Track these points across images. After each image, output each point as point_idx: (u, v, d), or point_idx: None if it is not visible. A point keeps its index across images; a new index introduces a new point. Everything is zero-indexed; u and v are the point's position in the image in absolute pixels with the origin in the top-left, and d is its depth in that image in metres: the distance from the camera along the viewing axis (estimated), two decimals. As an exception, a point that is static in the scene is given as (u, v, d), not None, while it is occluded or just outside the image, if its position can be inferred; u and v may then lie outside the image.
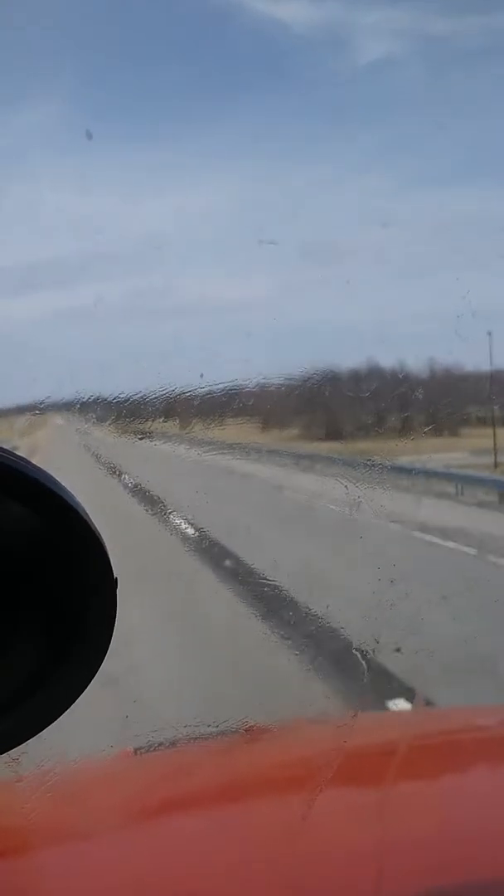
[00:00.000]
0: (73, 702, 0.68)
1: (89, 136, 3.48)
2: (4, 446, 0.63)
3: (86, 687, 0.68)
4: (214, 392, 2.95)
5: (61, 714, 0.68)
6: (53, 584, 0.65)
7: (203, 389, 2.91)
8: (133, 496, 5.61)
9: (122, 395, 2.94)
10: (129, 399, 2.93)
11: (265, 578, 4.65)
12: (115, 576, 0.66)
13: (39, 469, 0.63)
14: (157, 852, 1.38)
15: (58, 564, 0.65)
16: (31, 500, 0.63)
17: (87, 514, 0.64)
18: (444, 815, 1.48)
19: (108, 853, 1.46)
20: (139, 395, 2.90)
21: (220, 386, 2.92)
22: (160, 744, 1.84)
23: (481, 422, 11.70)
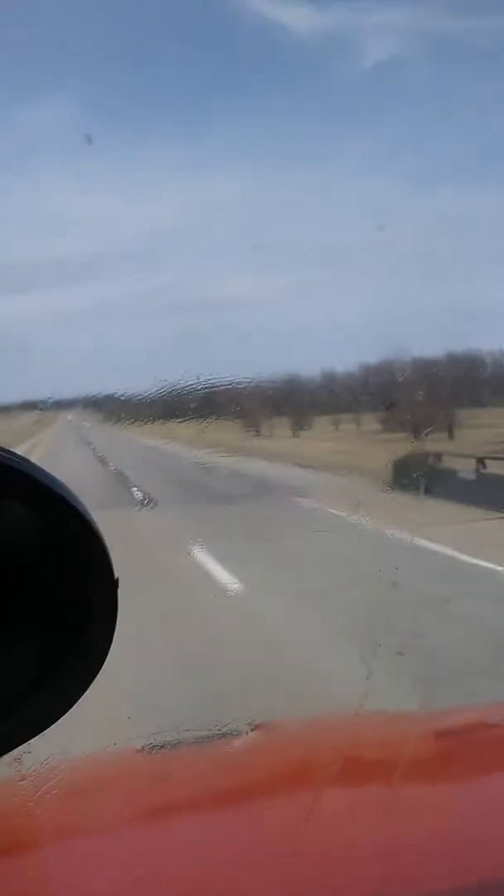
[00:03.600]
0: (76, 702, 0.68)
1: (89, 140, 3.47)
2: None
3: (88, 687, 0.68)
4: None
5: (63, 714, 0.68)
6: (55, 584, 0.65)
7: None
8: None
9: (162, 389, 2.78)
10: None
11: None
12: (115, 576, 0.66)
13: (41, 469, 0.63)
14: (160, 852, 1.37)
15: (59, 564, 0.65)
16: (33, 500, 0.63)
17: (89, 513, 0.65)
18: (449, 814, 1.47)
19: (112, 852, 1.45)
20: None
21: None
22: (163, 744, 1.83)
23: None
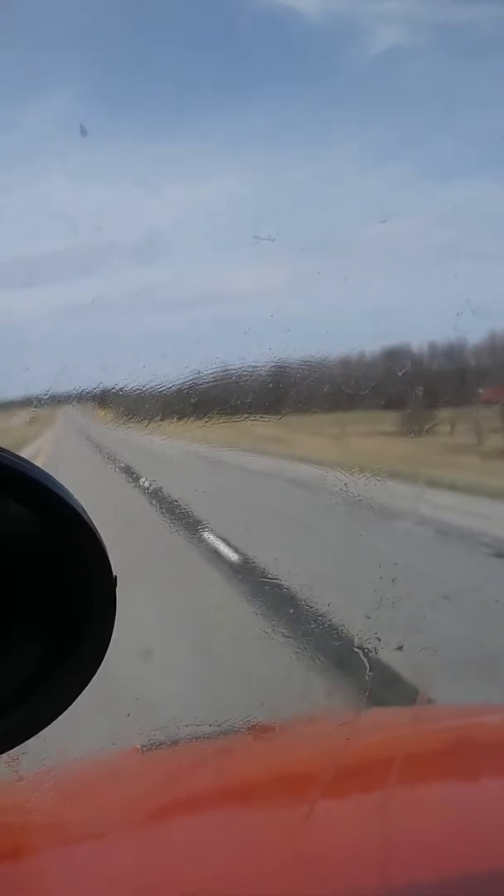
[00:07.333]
0: (73, 701, 0.68)
1: (84, 132, 3.43)
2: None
3: (85, 686, 0.67)
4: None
5: (61, 713, 0.68)
6: (53, 584, 0.65)
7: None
8: None
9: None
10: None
11: None
12: (114, 575, 0.66)
13: (39, 469, 0.63)
14: (158, 852, 1.37)
15: (57, 564, 0.65)
16: (30, 500, 0.63)
17: (86, 513, 0.64)
18: (450, 813, 1.47)
19: (110, 852, 1.45)
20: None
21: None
22: (162, 742, 1.83)
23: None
